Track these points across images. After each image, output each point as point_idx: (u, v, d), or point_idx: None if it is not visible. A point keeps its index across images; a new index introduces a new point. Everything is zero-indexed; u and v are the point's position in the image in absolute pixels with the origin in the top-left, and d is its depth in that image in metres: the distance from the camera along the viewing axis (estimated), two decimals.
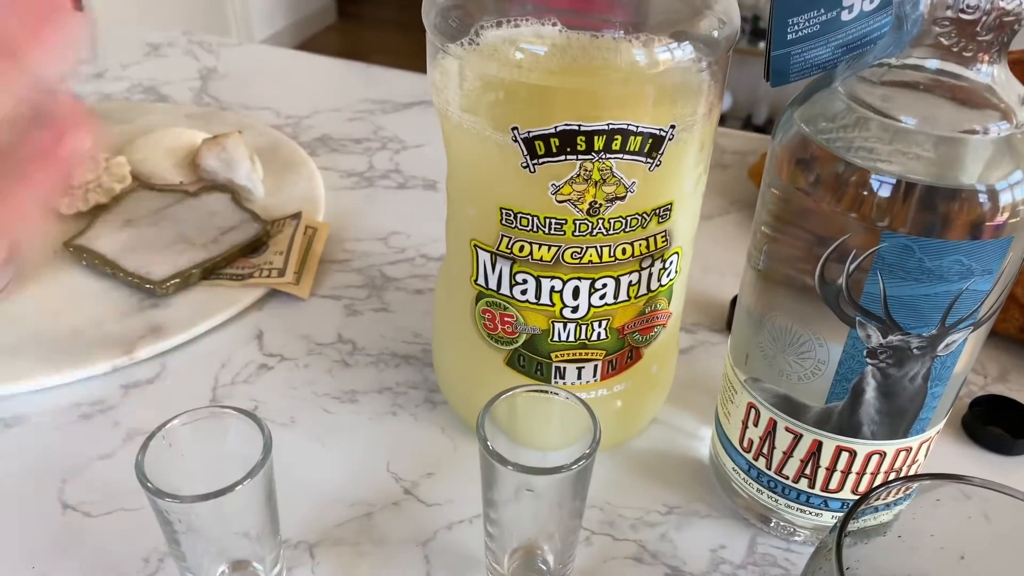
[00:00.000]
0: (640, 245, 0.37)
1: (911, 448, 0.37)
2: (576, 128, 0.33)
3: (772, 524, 0.41)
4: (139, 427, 0.47)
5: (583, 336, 0.40)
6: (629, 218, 0.36)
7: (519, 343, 0.40)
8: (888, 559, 0.32)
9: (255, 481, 0.32)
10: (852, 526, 0.29)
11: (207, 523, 0.32)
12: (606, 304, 0.39)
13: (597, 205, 0.35)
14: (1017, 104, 0.30)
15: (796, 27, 0.33)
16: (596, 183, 0.35)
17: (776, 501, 0.40)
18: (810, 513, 0.40)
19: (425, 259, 0.61)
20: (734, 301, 0.53)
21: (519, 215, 0.36)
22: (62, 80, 0.21)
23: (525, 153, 0.34)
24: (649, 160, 0.35)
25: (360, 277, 0.59)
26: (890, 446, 0.36)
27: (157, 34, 0.95)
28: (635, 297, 0.39)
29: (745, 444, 0.40)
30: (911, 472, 0.38)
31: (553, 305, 0.39)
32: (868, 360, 0.33)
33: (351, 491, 0.43)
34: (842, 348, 0.34)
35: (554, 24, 0.34)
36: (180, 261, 0.56)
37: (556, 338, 0.40)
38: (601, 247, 0.37)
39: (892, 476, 0.38)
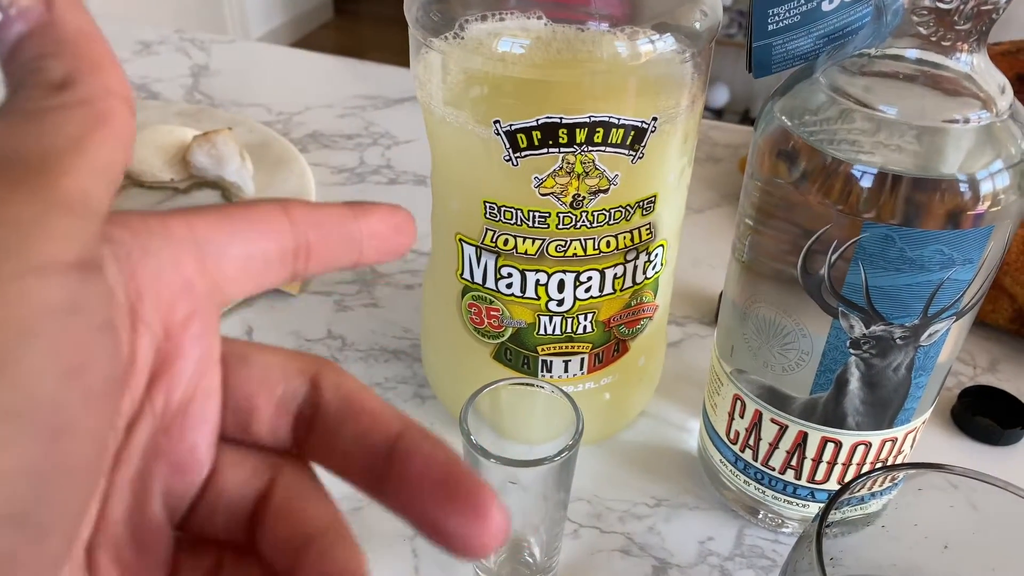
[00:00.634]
0: (624, 238, 0.37)
1: (896, 438, 0.37)
2: (558, 121, 0.33)
3: (760, 516, 0.41)
4: None
5: (569, 329, 0.40)
6: (613, 211, 0.36)
7: (505, 337, 0.40)
8: (872, 549, 0.32)
9: None
10: (835, 516, 0.29)
11: None
12: (591, 297, 0.39)
13: (580, 198, 0.35)
14: (997, 93, 0.30)
15: (777, 17, 0.33)
16: (579, 176, 0.35)
17: (763, 493, 0.40)
18: (797, 504, 0.40)
19: (415, 254, 0.61)
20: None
21: (503, 208, 0.36)
22: None
23: (507, 146, 0.34)
24: (632, 152, 0.35)
25: (350, 273, 0.59)
26: (875, 437, 0.36)
27: (149, 31, 0.95)
28: (620, 290, 0.39)
29: (732, 436, 0.40)
30: (897, 462, 0.38)
31: (538, 298, 0.39)
32: (851, 351, 0.33)
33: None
34: (825, 339, 0.34)
35: (539, 17, 0.34)
36: None
37: (542, 331, 0.40)
38: (585, 240, 0.37)
39: (878, 467, 0.38)
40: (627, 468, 0.45)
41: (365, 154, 0.73)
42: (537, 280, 0.38)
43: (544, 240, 0.37)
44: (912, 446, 0.38)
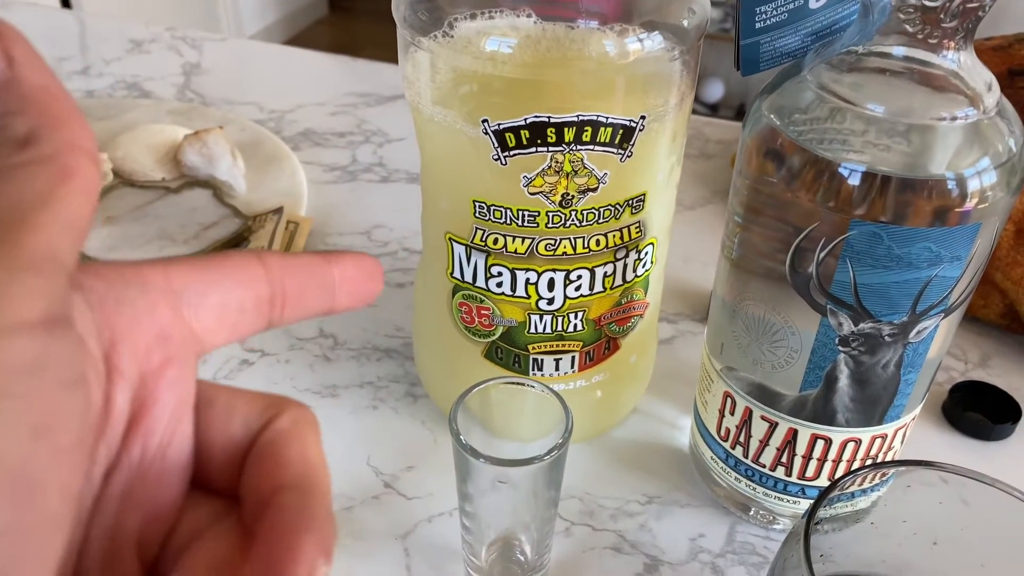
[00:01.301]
0: (614, 236, 0.37)
1: (886, 435, 0.37)
2: (546, 120, 0.33)
3: (751, 513, 0.42)
4: None
5: (560, 328, 0.40)
6: (602, 209, 0.36)
7: (496, 335, 0.40)
8: (862, 546, 0.32)
9: None
10: (824, 513, 0.29)
11: None
12: (582, 295, 0.39)
13: (569, 197, 0.35)
14: (984, 90, 0.30)
15: (764, 15, 0.33)
16: (568, 175, 0.35)
17: (754, 490, 0.40)
18: (788, 501, 0.40)
19: (408, 252, 0.61)
20: None
21: (492, 208, 0.36)
22: None
23: (496, 145, 0.34)
24: (620, 151, 0.35)
25: None
26: (865, 433, 0.36)
27: (140, 30, 0.95)
28: (611, 288, 0.39)
29: (722, 433, 0.40)
30: (888, 459, 0.38)
31: (529, 297, 0.39)
32: (840, 348, 0.33)
33: (331, 485, 0.43)
34: (814, 336, 0.34)
35: (529, 15, 0.33)
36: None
37: (533, 330, 0.40)
38: (575, 238, 0.37)
39: (868, 464, 0.38)
40: (619, 466, 0.45)
41: (357, 152, 0.73)
42: (527, 279, 0.38)
43: (534, 239, 0.37)
44: (902, 442, 0.38)
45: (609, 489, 0.43)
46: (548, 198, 0.35)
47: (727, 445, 0.40)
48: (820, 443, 0.37)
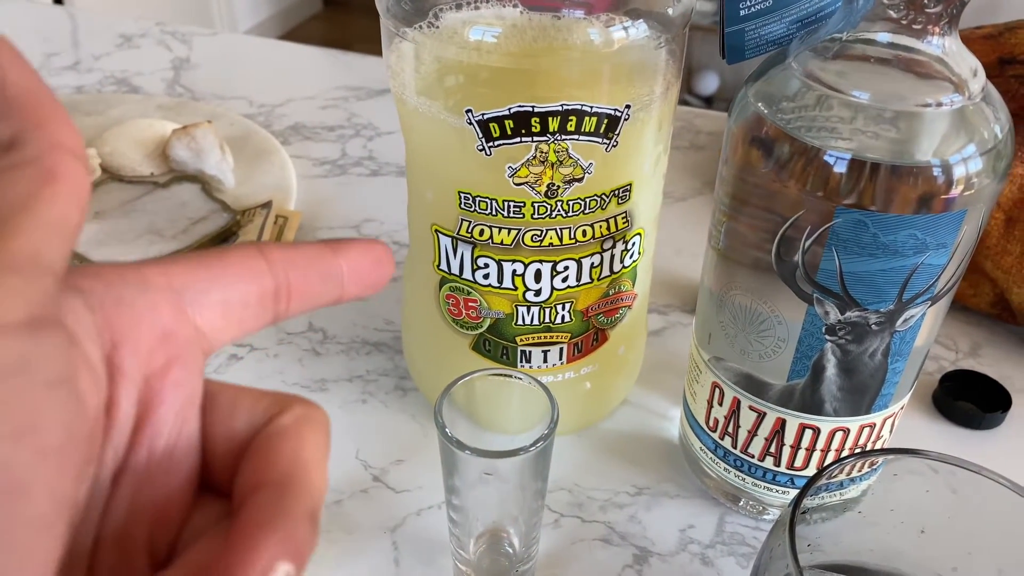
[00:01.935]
0: (600, 227, 0.37)
1: (875, 424, 0.37)
2: (530, 109, 0.33)
3: (741, 503, 0.41)
4: None
5: (547, 319, 0.40)
6: (588, 199, 0.36)
7: (484, 328, 0.40)
8: (850, 535, 0.32)
9: None
10: (812, 503, 0.29)
11: None
12: (569, 287, 0.39)
13: (555, 187, 0.35)
14: (969, 76, 0.30)
15: (749, 3, 0.33)
16: (553, 165, 0.34)
17: (744, 480, 0.40)
18: (778, 491, 0.40)
19: (398, 246, 0.61)
20: None
21: (477, 199, 0.36)
22: None
23: (480, 136, 0.34)
24: (605, 141, 0.34)
25: None
26: (853, 423, 0.36)
27: (130, 24, 0.94)
28: (598, 279, 0.39)
29: (711, 423, 0.40)
30: (876, 448, 0.38)
31: (516, 289, 0.38)
32: (827, 337, 0.33)
33: (325, 488, 0.43)
34: (801, 325, 0.33)
35: (515, 5, 0.33)
36: (150, 253, 0.56)
37: (520, 322, 0.40)
38: (561, 229, 0.36)
39: (856, 452, 0.38)
40: (608, 457, 0.45)
41: (347, 145, 0.73)
42: (514, 270, 0.38)
43: (520, 230, 0.36)
44: (891, 431, 0.38)
45: (598, 481, 0.43)
46: (533, 189, 0.35)
47: (716, 435, 0.40)
48: (808, 433, 0.37)
